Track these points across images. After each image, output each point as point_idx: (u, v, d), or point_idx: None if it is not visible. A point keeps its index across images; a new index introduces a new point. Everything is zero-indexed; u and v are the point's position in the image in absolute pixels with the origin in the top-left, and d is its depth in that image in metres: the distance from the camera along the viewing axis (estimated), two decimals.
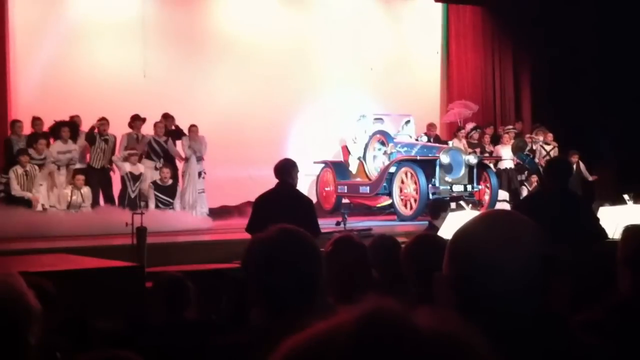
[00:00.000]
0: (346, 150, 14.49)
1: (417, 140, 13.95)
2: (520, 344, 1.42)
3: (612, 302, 2.51)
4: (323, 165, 14.67)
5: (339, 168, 14.36)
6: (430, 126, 15.09)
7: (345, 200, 14.25)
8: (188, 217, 12.11)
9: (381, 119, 14.62)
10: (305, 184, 14.13)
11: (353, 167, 14.18)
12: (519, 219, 1.58)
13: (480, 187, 12.93)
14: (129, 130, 12.83)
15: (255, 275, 2.14)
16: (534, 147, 15.11)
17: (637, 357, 2.25)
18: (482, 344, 0.83)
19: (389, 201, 12.95)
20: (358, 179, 14.03)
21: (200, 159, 13.10)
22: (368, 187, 13.49)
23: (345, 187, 14.07)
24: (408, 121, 14.35)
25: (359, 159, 14.09)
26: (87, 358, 1.87)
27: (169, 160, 12.83)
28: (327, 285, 2.43)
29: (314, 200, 13.24)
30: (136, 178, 12.32)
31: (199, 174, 13.06)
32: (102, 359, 1.83)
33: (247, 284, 2.17)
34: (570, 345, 1.52)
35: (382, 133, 13.87)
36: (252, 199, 7.12)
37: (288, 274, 2.08)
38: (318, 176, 14.67)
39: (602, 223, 5.87)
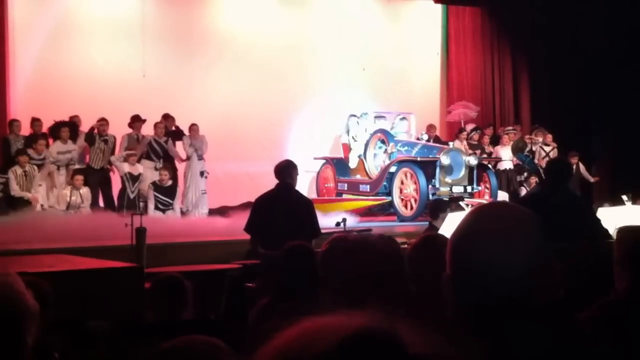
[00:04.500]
0: (346, 148, 14.48)
1: (418, 139, 13.95)
2: (527, 338, 1.38)
3: (608, 300, 2.54)
4: (323, 161, 14.67)
5: (339, 165, 14.36)
6: (430, 127, 15.09)
7: None
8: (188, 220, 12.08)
9: (383, 116, 14.61)
10: (306, 181, 14.12)
11: (353, 165, 14.18)
12: (515, 209, 1.51)
13: (480, 188, 12.94)
14: (129, 130, 12.83)
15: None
16: (534, 148, 15.10)
17: (633, 354, 2.26)
18: None
19: (389, 200, 12.97)
20: (358, 176, 14.03)
21: (201, 157, 13.11)
22: (368, 186, 13.49)
23: (346, 184, 14.07)
24: (403, 118, 14.33)
25: (359, 156, 14.09)
26: (169, 345, 1.84)
27: (169, 161, 12.83)
28: (325, 284, 2.45)
29: (314, 196, 13.28)
30: (135, 178, 12.31)
31: (201, 173, 13.06)
32: (184, 343, 1.81)
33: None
34: (575, 337, 1.47)
35: (383, 132, 13.87)
36: (252, 198, 7.13)
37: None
38: (318, 172, 14.66)
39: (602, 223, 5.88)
